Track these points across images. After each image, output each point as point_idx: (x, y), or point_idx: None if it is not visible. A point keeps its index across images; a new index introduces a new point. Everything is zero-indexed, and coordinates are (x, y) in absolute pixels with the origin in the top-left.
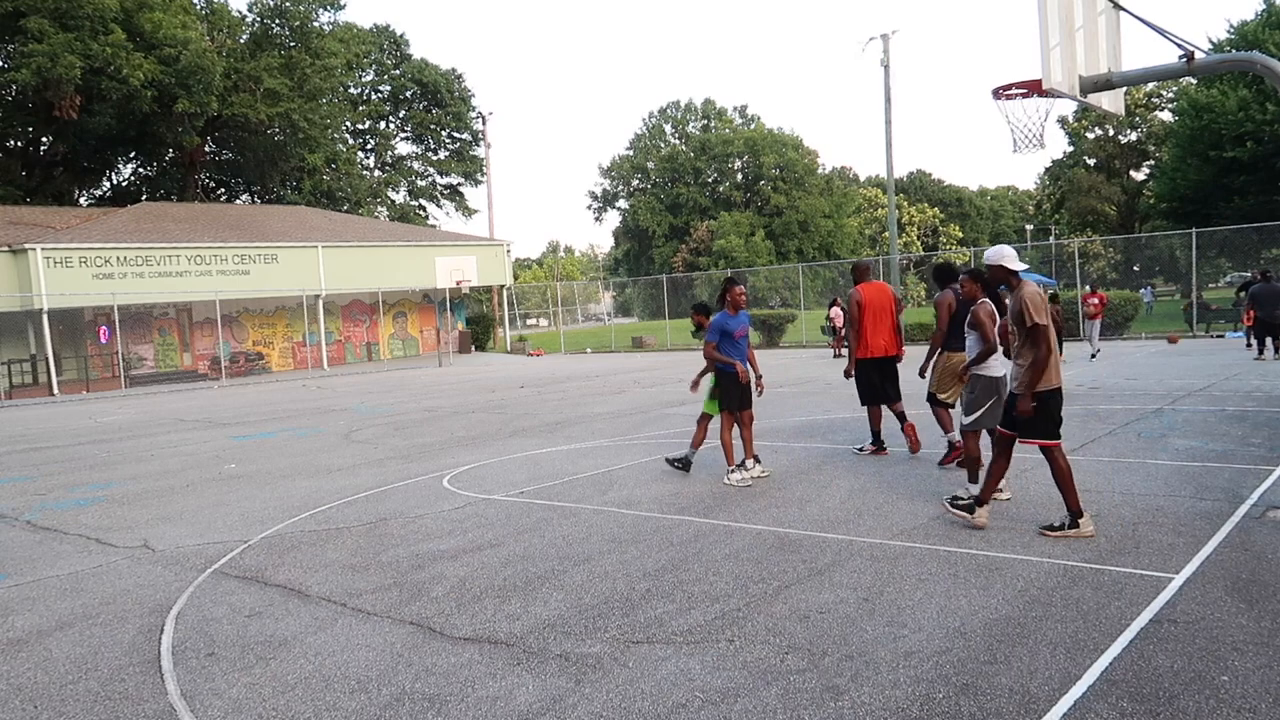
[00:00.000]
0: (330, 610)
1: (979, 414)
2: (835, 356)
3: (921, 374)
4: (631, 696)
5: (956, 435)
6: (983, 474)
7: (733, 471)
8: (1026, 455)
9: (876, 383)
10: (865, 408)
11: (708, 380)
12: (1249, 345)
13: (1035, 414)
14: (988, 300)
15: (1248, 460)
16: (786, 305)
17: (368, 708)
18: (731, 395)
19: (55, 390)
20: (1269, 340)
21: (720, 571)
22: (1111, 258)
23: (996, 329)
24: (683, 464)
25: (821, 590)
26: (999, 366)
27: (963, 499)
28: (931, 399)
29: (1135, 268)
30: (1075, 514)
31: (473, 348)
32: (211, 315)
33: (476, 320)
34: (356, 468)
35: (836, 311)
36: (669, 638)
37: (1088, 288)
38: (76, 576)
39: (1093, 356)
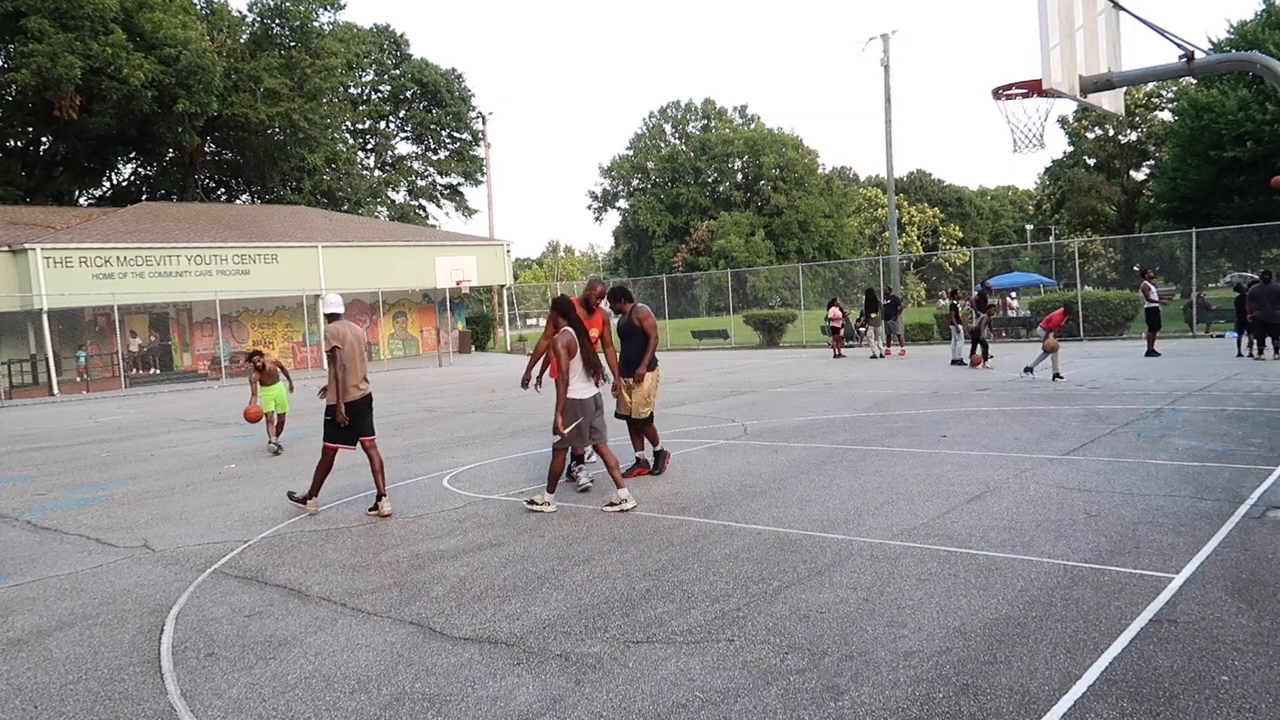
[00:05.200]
0: (330, 610)
1: (567, 433)
2: (836, 357)
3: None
4: (631, 696)
5: (645, 454)
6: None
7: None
8: (1026, 456)
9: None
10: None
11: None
12: (1240, 353)
13: (331, 424)
14: (569, 329)
15: (1248, 460)
16: (786, 305)
17: (368, 708)
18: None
19: (55, 390)
20: (1269, 340)
21: (720, 571)
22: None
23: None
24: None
25: (821, 590)
26: (582, 389)
27: (538, 503)
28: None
29: (1135, 268)
30: (380, 495)
31: (473, 348)
32: (211, 315)
33: (476, 320)
34: (357, 468)
35: (836, 311)
36: (669, 638)
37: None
38: (76, 576)
39: (1026, 370)
